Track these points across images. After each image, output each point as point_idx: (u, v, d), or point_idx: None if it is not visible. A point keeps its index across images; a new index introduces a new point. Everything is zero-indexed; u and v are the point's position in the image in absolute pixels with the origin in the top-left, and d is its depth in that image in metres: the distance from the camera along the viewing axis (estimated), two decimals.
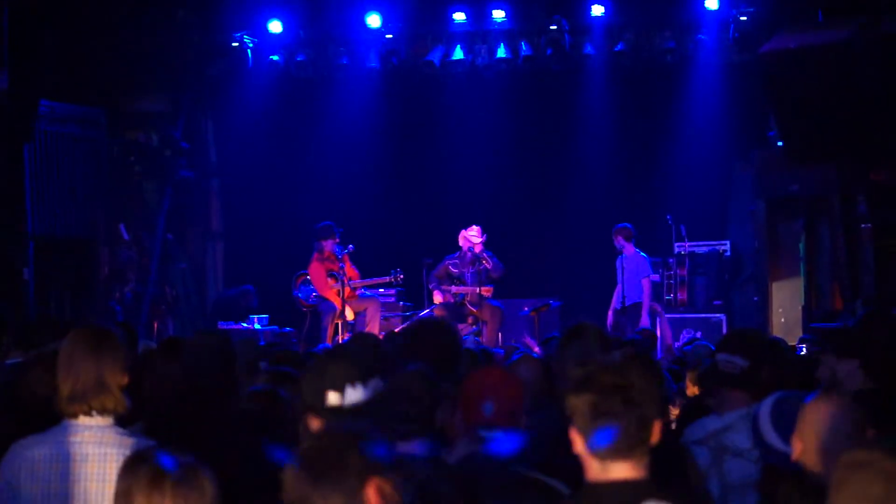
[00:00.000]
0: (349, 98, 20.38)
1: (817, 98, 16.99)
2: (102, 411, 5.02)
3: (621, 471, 3.77)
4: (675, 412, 7.80)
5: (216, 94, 20.68)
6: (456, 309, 17.74)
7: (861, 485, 3.25)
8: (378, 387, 4.57)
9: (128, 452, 4.82)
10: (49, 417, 5.13)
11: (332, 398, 4.50)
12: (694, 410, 6.64)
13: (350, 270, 17.58)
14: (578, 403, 3.78)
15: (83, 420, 5.02)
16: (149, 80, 19.39)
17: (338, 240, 17.53)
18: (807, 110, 17.17)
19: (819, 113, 17.06)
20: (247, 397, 6.17)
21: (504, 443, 5.02)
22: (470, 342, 14.35)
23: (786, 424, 4.92)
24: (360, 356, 7.02)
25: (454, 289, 17.83)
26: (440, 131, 20.78)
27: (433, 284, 18.03)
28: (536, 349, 16.00)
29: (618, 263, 18.05)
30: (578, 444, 3.80)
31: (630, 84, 20.03)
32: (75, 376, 5.01)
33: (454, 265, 17.86)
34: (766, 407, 5.07)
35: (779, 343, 8.58)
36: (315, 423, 4.57)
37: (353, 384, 4.50)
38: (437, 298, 17.90)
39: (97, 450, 4.96)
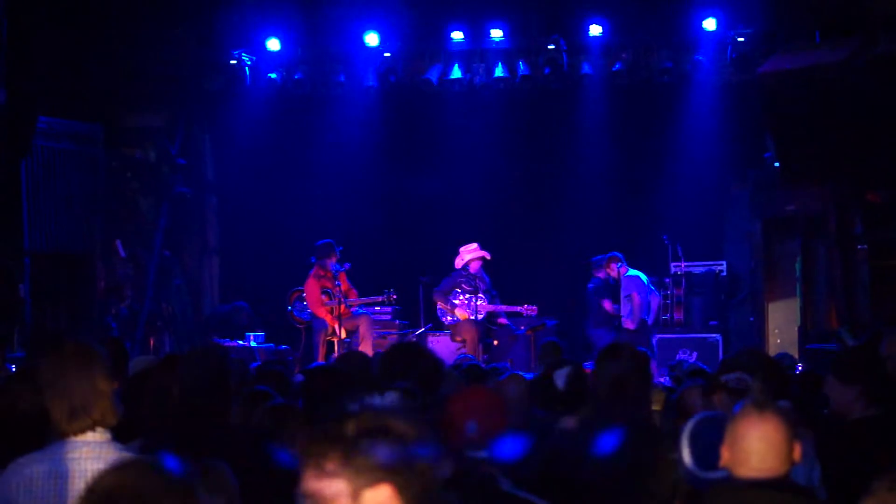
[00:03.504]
0: (346, 116, 20.39)
1: (814, 118, 17.06)
2: (103, 424, 5.01)
3: None
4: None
5: (214, 111, 20.68)
6: (483, 326, 17.83)
7: None
8: (395, 400, 4.57)
9: None
10: (28, 432, 5.12)
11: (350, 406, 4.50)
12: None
13: (347, 288, 17.59)
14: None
15: (81, 437, 5.01)
16: (146, 96, 19.41)
17: (338, 257, 17.54)
18: (803, 131, 17.24)
19: (815, 133, 17.14)
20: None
21: (508, 448, 5.01)
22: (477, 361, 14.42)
23: (701, 444, 5.01)
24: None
25: (488, 307, 17.86)
26: (437, 150, 20.79)
27: (443, 299, 17.98)
28: None
29: (628, 286, 18.13)
30: None
31: (627, 104, 20.05)
32: (70, 393, 4.99)
33: (466, 282, 17.88)
34: (687, 427, 5.16)
35: (782, 362, 8.61)
36: None
37: (370, 394, 4.51)
38: (463, 314, 17.86)
39: (96, 466, 4.94)
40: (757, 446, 4.60)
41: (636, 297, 18.11)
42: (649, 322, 18.33)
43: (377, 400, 4.51)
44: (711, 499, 4.79)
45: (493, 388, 7.28)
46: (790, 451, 4.65)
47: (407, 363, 6.55)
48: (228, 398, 6.13)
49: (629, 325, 18.06)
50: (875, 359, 7.22)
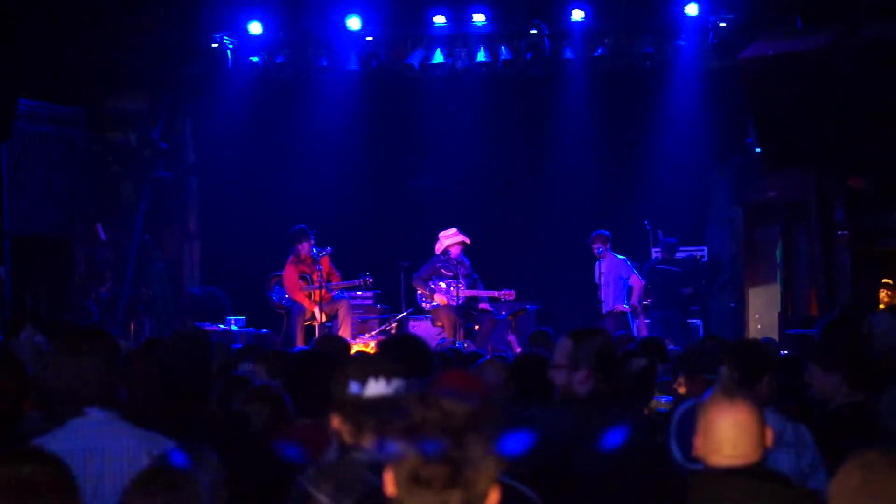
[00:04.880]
0: (328, 100, 20.34)
1: (795, 104, 17.08)
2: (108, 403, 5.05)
3: None
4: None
5: (195, 95, 20.60)
6: (462, 311, 17.79)
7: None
8: (401, 387, 4.57)
9: (145, 444, 4.88)
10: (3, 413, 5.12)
11: (353, 388, 4.50)
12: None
13: (329, 272, 17.59)
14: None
15: (93, 415, 5.04)
16: (128, 79, 19.34)
17: (313, 242, 17.52)
18: (785, 116, 17.26)
19: (797, 119, 17.15)
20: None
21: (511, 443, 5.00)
22: (460, 346, 14.44)
23: (684, 431, 5.03)
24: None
25: (467, 292, 17.81)
26: (419, 134, 20.78)
27: (422, 285, 17.95)
28: (518, 349, 16.12)
29: (598, 268, 18.12)
30: (391, 491, 3.17)
31: (609, 89, 20.03)
32: (76, 372, 5.02)
33: (446, 268, 17.84)
34: (677, 414, 5.15)
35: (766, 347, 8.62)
36: (336, 421, 4.58)
37: (376, 377, 4.51)
38: (442, 299, 17.83)
39: (115, 444, 4.97)
40: (729, 434, 4.59)
41: (615, 281, 18.13)
42: (628, 306, 18.31)
43: (383, 386, 4.51)
44: (689, 489, 4.78)
45: (473, 372, 7.27)
46: (762, 436, 4.64)
47: (402, 351, 6.56)
48: (210, 382, 6.13)
49: (621, 307, 18.11)
50: (856, 345, 7.26)
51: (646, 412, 7.31)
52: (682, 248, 19.40)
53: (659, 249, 19.05)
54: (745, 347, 7.05)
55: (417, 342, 6.74)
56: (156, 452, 4.82)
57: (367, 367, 4.59)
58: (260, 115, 20.41)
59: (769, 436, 4.68)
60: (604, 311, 18.01)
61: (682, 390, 7.47)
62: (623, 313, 18.07)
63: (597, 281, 18.18)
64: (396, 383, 4.54)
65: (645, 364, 7.41)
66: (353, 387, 4.50)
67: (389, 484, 3.15)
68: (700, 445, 4.71)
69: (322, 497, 4.30)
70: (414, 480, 3.06)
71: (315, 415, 5.98)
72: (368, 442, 4.45)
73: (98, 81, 19.00)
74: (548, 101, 20.56)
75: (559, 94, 20.39)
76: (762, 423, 4.65)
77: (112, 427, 5.03)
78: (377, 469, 4.35)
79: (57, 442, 4.93)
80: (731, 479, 4.56)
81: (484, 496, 3.07)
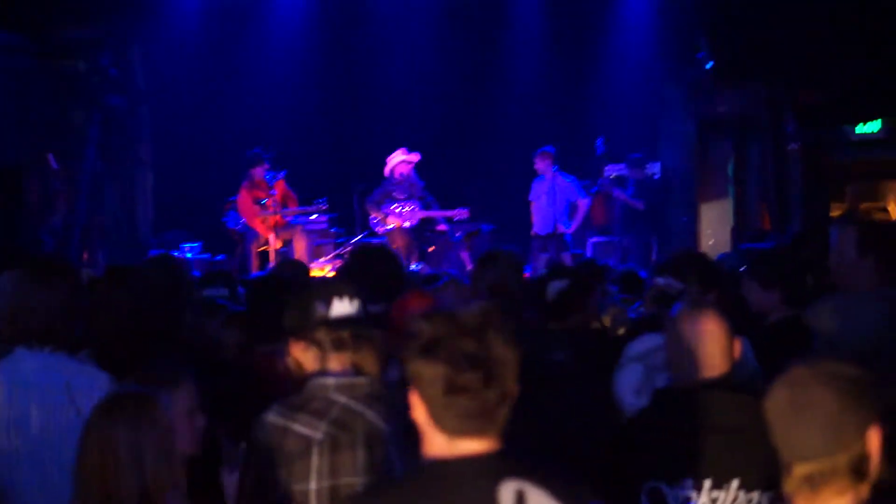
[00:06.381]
0: (280, 22, 20.23)
1: (747, 18, 17.09)
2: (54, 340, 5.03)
3: (473, 445, 3.25)
4: (606, 320, 7.87)
5: (144, 20, 20.35)
6: (417, 233, 17.79)
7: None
8: (361, 307, 4.58)
9: (80, 379, 4.89)
10: None
11: (320, 309, 4.50)
12: (643, 328, 6.68)
13: (284, 195, 17.55)
14: (426, 372, 3.22)
15: (33, 348, 5.03)
16: (76, 6, 19.09)
17: (268, 166, 17.47)
18: (736, 30, 17.28)
19: (748, 33, 17.18)
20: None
21: None
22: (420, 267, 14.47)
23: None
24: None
25: (420, 213, 17.79)
26: (371, 55, 20.69)
27: (375, 208, 17.91)
28: (470, 268, 16.17)
29: (539, 188, 18.04)
30: (420, 413, 3.27)
31: (561, 5, 19.97)
32: (37, 305, 5.01)
33: (398, 191, 17.81)
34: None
35: (717, 263, 8.69)
36: (298, 349, 4.56)
37: (339, 298, 4.51)
38: (395, 221, 17.79)
39: (45, 378, 4.97)
40: (700, 346, 4.61)
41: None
42: (572, 227, 18.19)
43: (346, 306, 4.51)
44: (658, 405, 4.82)
45: (433, 294, 7.29)
46: (731, 348, 4.68)
47: (365, 267, 6.56)
48: (184, 307, 6.14)
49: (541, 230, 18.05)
50: (793, 262, 7.34)
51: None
52: (647, 166, 19.31)
53: (624, 166, 18.95)
54: (693, 258, 7.09)
55: (384, 254, 6.76)
56: (96, 387, 4.84)
57: (330, 288, 4.59)
58: (211, 40, 20.21)
59: (737, 347, 4.73)
60: (542, 234, 17.95)
61: None
62: (562, 236, 17.98)
63: (531, 199, 18.14)
64: (358, 303, 4.55)
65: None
66: (320, 308, 4.50)
67: (417, 405, 3.26)
68: (671, 359, 4.76)
69: (298, 427, 4.31)
70: (451, 391, 3.17)
71: (276, 340, 6.01)
72: (334, 365, 4.47)
73: (45, 8, 18.74)
74: (499, 20, 20.52)
75: (511, 11, 20.33)
76: (731, 334, 4.68)
77: (56, 361, 5.03)
78: (345, 390, 4.40)
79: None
80: (706, 392, 4.58)
81: (514, 389, 3.23)
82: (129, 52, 20.38)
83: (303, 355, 4.52)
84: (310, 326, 4.49)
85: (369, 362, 4.45)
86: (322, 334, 4.46)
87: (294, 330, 4.56)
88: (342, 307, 4.49)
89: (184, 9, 19.78)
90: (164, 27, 19.98)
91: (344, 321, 4.47)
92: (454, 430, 3.22)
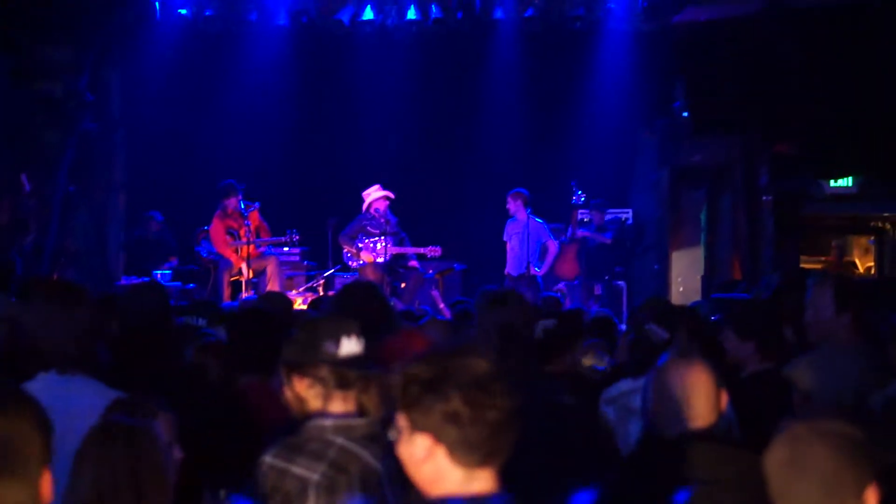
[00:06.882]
0: (257, 55, 20.22)
1: (724, 70, 17.24)
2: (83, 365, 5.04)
3: (488, 479, 3.17)
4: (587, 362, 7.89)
5: (122, 46, 20.33)
6: (389, 268, 17.76)
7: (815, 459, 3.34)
8: (360, 345, 4.57)
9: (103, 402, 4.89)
10: None
11: (329, 348, 4.48)
12: (620, 373, 6.72)
13: (258, 227, 17.55)
14: (439, 407, 3.13)
15: (62, 373, 5.02)
16: (54, 28, 19.07)
17: (240, 197, 17.48)
18: (714, 82, 17.41)
19: (725, 84, 17.32)
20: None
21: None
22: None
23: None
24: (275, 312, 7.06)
25: (394, 249, 17.77)
26: (348, 91, 20.71)
27: (348, 242, 17.89)
28: (442, 305, 16.17)
29: (512, 229, 18.12)
30: (430, 456, 3.16)
31: (539, 49, 20.03)
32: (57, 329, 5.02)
33: (372, 226, 17.80)
34: (650, 375, 5.21)
35: (697, 311, 8.72)
36: (302, 385, 4.55)
37: (348, 336, 4.50)
38: (368, 256, 17.77)
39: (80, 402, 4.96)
40: (688, 397, 4.62)
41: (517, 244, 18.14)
42: (542, 271, 18.27)
43: (354, 345, 4.51)
44: (643, 455, 4.82)
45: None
46: (718, 400, 4.68)
47: (355, 303, 6.57)
48: (169, 335, 6.13)
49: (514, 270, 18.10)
50: (772, 315, 7.38)
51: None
52: (607, 210, 19.42)
53: (587, 212, 19.00)
54: (680, 309, 7.15)
55: (375, 292, 6.77)
56: None
57: (339, 326, 4.58)
58: (188, 69, 20.18)
59: (724, 399, 4.74)
60: (514, 274, 18.00)
61: None
62: (534, 277, 18.02)
63: (505, 239, 18.22)
64: (363, 340, 4.55)
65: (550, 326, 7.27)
66: (329, 346, 4.49)
67: (427, 447, 3.17)
68: (656, 408, 4.75)
69: (297, 469, 4.31)
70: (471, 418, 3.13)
71: (261, 371, 6.02)
72: (338, 403, 4.48)
73: (23, 30, 18.73)
74: (477, 60, 20.57)
75: (489, 53, 20.40)
76: (718, 386, 4.69)
77: (78, 384, 5.03)
78: (342, 431, 4.40)
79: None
80: (691, 444, 4.57)
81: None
82: (107, 76, 20.36)
83: (307, 392, 4.52)
84: (315, 363, 4.49)
85: (373, 403, 4.45)
86: (328, 372, 4.46)
87: (296, 365, 4.55)
88: (350, 346, 4.48)
89: (161, 37, 19.74)
90: (141, 54, 19.97)
91: (352, 361, 4.48)
92: (475, 460, 3.14)
